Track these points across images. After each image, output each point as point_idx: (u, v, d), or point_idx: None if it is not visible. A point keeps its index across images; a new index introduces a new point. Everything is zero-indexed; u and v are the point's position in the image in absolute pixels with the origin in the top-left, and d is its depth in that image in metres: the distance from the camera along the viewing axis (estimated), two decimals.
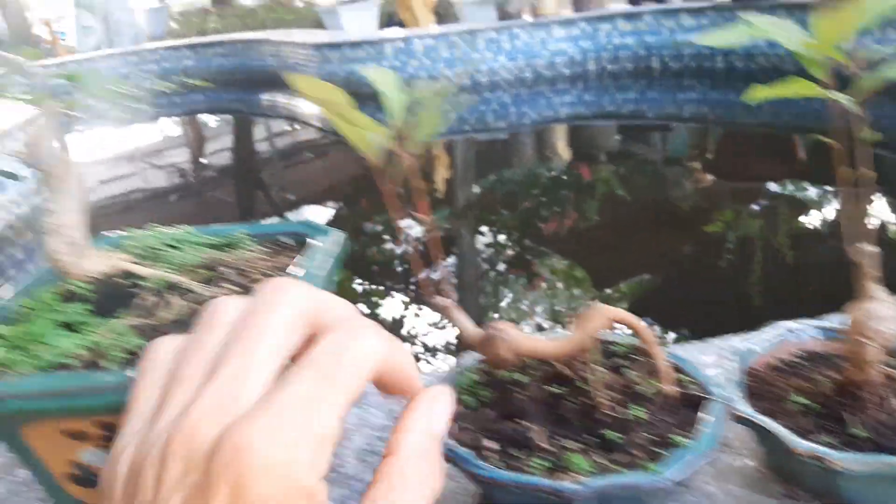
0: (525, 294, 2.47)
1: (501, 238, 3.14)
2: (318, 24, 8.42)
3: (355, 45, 5.54)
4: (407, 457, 0.24)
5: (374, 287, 2.60)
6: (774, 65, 4.54)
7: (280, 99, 6.23)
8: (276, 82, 6.14)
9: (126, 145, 6.06)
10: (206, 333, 0.24)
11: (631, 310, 0.61)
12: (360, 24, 6.37)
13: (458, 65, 5.45)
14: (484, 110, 5.26)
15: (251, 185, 4.59)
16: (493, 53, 5.44)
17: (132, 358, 0.53)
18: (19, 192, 3.40)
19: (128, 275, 0.59)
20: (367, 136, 0.55)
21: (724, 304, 2.16)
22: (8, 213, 3.28)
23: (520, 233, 3.14)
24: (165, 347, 0.25)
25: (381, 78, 0.56)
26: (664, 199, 3.40)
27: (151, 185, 4.69)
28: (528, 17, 5.73)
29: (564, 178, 3.87)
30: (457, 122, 5.13)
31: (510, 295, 2.49)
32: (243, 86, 6.98)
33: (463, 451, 0.59)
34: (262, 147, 5.52)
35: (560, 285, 2.54)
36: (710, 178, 3.76)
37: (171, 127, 6.75)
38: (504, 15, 5.69)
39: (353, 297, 2.39)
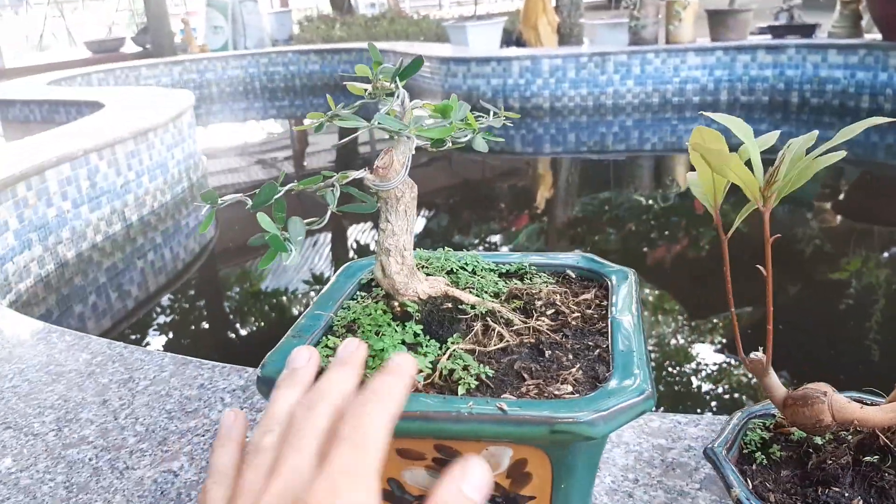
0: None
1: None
2: (438, 38, 8.56)
3: (483, 61, 5.59)
4: None
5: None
6: None
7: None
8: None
9: (237, 141, 6.33)
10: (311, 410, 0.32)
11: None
12: (485, 40, 6.42)
13: (583, 86, 5.41)
14: (605, 133, 5.19)
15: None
16: (620, 77, 5.37)
17: (479, 385, 0.54)
18: (165, 180, 3.60)
19: (448, 298, 0.60)
20: (722, 186, 0.54)
21: (835, 353, 2.04)
22: (154, 199, 3.48)
23: (621, 256, 3.07)
24: (281, 407, 0.34)
25: (736, 126, 0.54)
26: (784, 238, 3.25)
27: (254, 178, 4.85)
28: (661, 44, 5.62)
29: (679, 206, 3.75)
30: (574, 143, 5.09)
31: None
32: (348, 92, 7.15)
33: None
34: (364, 150, 5.61)
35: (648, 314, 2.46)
36: (838, 218, 3.58)
37: (277, 126, 6.98)
38: (637, 39, 5.60)
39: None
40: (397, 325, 0.58)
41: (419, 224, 3.79)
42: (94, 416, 0.95)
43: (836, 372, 1.94)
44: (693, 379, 1.99)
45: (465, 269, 0.69)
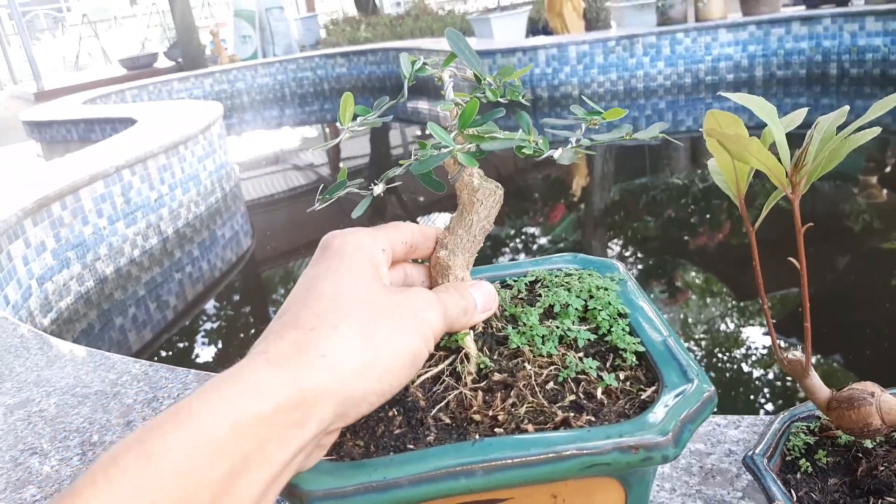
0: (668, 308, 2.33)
1: (640, 248, 3.00)
2: (464, 32, 8.50)
3: (508, 51, 5.53)
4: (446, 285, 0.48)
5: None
6: None
7: (423, 105, 6.32)
8: (422, 89, 6.24)
9: (271, 146, 6.38)
10: None
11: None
12: (510, 31, 6.35)
13: (612, 71, 5.30)
14: (637, 116, 5.08)
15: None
16: (650, 59, 5.25)
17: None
18: (198, 191, 3.63)
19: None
20: (745, 174, 0.50)
21: (887, 345, 1.93)
22: (188, 211, 3.51)
23: (663, 243, 2.99)
24: None
25: (757, 107, 0.50)
26: (831, 215, 3.12)
27: (291, 184, 4.87)
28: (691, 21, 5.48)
29: (717, 189, 3.65)
30: (606, 129, 4.98)
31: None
32: (392, 93, 7.16)
33: None
34: (396, 151, 5.59)
35: (696, 298, 2.37)
36: (885, 193, 3.43)
37: (310, 131, 7.02)
38: (665, 19, 5.48)
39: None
40: None
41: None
42: (118, 439, 0.94)
43: (887, 365, 1.84)
44: (734, 375, 1.91)
45: (569, 310, 0.64)
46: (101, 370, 1.16)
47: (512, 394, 0.51)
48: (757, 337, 2.12)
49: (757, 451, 0.59)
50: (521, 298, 0.65)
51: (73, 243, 2.66)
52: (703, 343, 2.10)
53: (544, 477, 0.43)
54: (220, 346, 2.52)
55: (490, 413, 0.49)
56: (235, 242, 3.62)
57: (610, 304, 0.59)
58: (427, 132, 0.55)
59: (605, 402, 0.50)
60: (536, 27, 7.51)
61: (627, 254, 3.00)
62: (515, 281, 0.68)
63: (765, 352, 2.02)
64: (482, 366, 0.54)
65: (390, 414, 0.51)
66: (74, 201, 2.69)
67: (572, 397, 0.50)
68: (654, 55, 5.23)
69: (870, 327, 2.07)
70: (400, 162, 0.57)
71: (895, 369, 1.78)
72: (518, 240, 3.28)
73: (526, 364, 0.54)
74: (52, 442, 0.96)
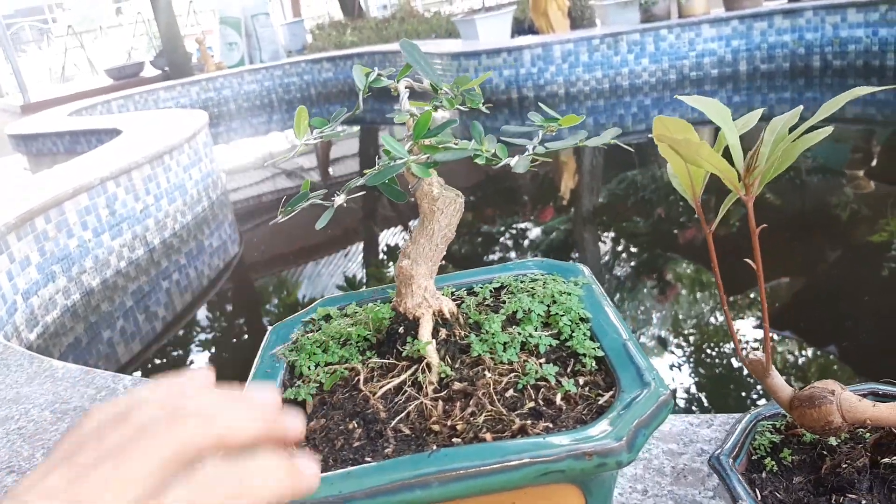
0: (656, 304, 2.33)
1: (630, 244, 3.01)
2: (450, 34, 8.51)
3: (493, 52, 5.53)
4: None
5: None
6: None
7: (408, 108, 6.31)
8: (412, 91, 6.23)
9: (258, 153, 6.37)
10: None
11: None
12: (495, 32, 6.36)
13: (598, 69, 5.31)
14: (623, 114, 5.09)
15: (372, 189, 4.65)
16: (634, 56, 5.27)
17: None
18: (184, 201, 3.62)
19: (437, 317, 0.57)
20: (701, 176, 0.50)
21: (859, 338, 1.93)
22: (174, 221, 3.50)
23: (652, 239, 3.00)
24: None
25: (712, 109, 0.50)
26: (819, 207, 3.13)
27: (279, 188, 4.86)
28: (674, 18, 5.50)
29: (710, 184, 3.66)
30: (592, 127, 5.00)
31: (647, 306, 2.35)
32: (378, 96, 7.15)
33: None
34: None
35: (686, 292, 2.39)
36: (872, 184, 3.44)
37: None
38: (649, 17, 5.49)
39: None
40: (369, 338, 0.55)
41: None
42: None
43: (859, 359, 1.85)
44: (707, 373, 1.91)
45: (531, 317, 0.62)
46: (81, 385, 1.15)
47: (471, 403, 0.51)
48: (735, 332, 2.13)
49: (723, 451, 0.60)
50: (486, 305, 0.65)
51: (58, 256, 2.64)
52: (676, 342, 2.10)
53: (501, 486, 0.43)
54: (210, 354, 2.52)
55: (449, 423, 0.49)
56: (223, 251, 3.61)
57: (572, 309, 0.59)
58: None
59: (564, 407, 0.50)
60: (522, 27, 7.51)
61: (604, 251, 3.01)
62: (482, 287, 0.68)
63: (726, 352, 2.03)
64: (443, 375, 0.54)
65: (350, 426, 0.51)
66: (59, 214, 2.67)
67: (531, 404, 0.50)
68: (638, 52, 5.24)
69: (854, 320, 2.08)
70: (364, 171, 0.57)
71: (877, 363, 1.79)
72: (493, 242, 3.28)
73: (486, 372, 0.54)
74: (30, 460, 0.95)
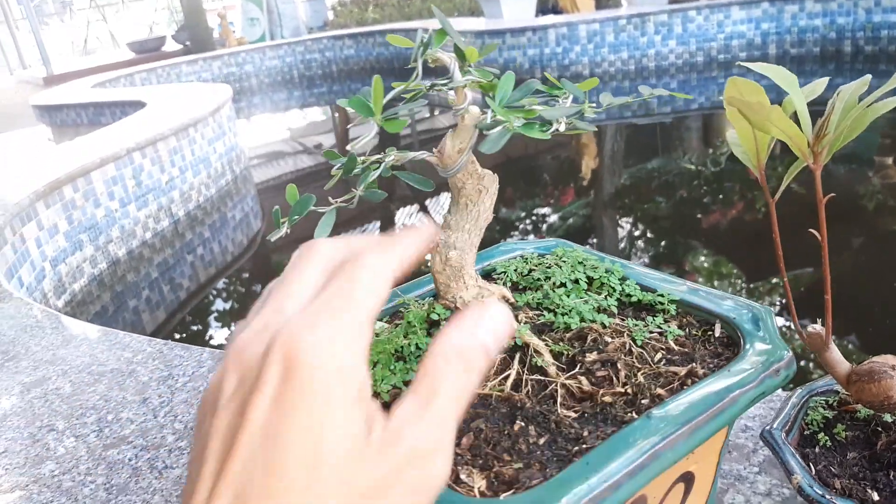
0: None
1: (650, 228, 2.98)
2: (473, 12, 8.43)
3: (517, 31, 5.48)
4: (442, 354, 0.26)
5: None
6: None
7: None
8: (429, 69, 6.19)
9: (280, 130, 6.36)
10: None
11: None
12: (519, 10, 6.29)
13: (623, 50, 5.25)
14: None
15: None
16: (661, 37, 5.19)
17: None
18: (208, 174, 3.64)
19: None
20: (766, 144, 0.49)
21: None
22: (199, 193, 3.52)
23: (673, 224, 2.97)
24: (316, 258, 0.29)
25: (778, 75, 0.49)
26: (844, 195, 3.09)
27: (298, 166, 4.86)
28: None
29: (731, 167, 3.61)
30: (618, 109, 4.95)
31: None
32: (399, 74, 7.13)
33: (841, 501, 0.51)
34: (404, 131, 5.55)
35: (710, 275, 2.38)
36: None
37: (318, 113, 6.99)
38: None
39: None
40: (421, 331, 0.54)
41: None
42: (134, 416, 0.95)
43: None
44: None
45: (580, 284, 0.60)
46: (117, 349, 1.16)
47: (620, 367, 0.49)
48: (777, 308, 2.11)
49: (775, 425, 0.59)
50: (521, 286, 0.64)
51: (85, 226, 2.67)
52: None
53: (713, 432, 0.44)
54: (233, 326, 2.54)
55: (614, 390, 0.47)
56: (246, 225, 3.63)
57: (608, 271, 0.59)
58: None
59: (687, 351, 0.50)
60: (546, 6, 7.43)
61: (637, 233, 2.99)
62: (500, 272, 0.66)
63: (786, 322, 2.02)
64: (560, 352, 0.52)
65: (517, 428, 0.46)
66: (86, 184, 2.69)
67: (659, 356, 0.50)
68: (665, 33, 5.17)
69: (890, 303, 2.06)
70: (387, 159, 0.55)
71: None
72: (504, 225, 3.27)
73: (605, 338, 0.52)
74: (69, 419, 0.97)
